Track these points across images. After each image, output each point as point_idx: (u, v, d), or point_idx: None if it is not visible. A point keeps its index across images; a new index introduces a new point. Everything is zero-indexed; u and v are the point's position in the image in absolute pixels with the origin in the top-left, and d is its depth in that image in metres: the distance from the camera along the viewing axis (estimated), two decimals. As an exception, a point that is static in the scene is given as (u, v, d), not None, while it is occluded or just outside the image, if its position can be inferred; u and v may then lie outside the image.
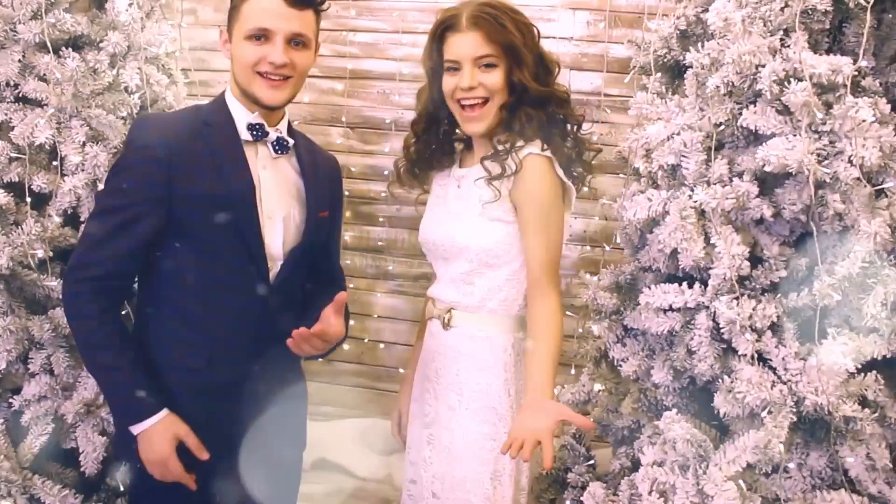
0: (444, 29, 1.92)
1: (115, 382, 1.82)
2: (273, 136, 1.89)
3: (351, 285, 2.16)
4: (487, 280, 1.94)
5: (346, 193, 2.09)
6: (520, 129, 1.90)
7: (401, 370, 3.98)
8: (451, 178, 2.05)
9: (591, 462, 2.15)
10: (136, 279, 1.93)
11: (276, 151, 1.90)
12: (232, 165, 1.84)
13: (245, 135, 1.86)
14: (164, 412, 1.79)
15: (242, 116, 1.87)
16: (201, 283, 1.82)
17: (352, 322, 3.95)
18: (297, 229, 1.93)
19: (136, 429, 1.79)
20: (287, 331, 1.78)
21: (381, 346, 4.00)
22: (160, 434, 1.77)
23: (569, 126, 1.97)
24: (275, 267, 1.89)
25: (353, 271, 3.69)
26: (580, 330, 2.22)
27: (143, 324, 1.92)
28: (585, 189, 2.09)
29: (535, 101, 1.91)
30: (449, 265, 2.00)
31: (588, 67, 3.60)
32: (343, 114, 3.93)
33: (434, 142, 2.06)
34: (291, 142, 1.93)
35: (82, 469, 2.15)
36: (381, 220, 3.93)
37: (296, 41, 1.82)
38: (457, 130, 2.06)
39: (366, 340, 4.00)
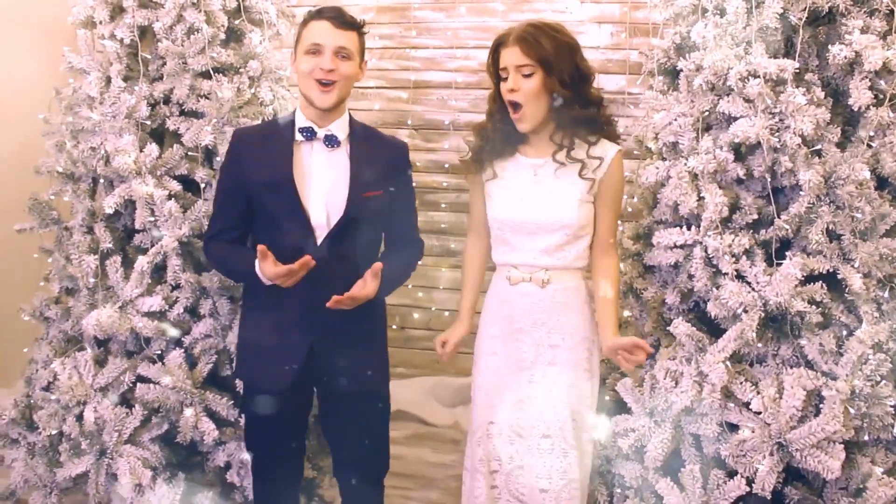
0: (497, 45, 2.29)
1: (238, 260, 2.34)
2: (321, 134, 2.29)
3: (419, 262, 2.73)
4: (576, 247, 2.34)
5: (413, 185, 2.47)
6: (585, 132, 2.28)
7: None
8: (521, 167, 2.36)
9: (621, 370, 2.75)
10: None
11: (327, 146, 2.31)
12: (279, 159, 2.27)
13: (298, 136, 2.29)
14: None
15: (301, 122, 2.30)
16: (270, 246, 2.19)
17: (420, 294, 4.53)
18: (342, 206, 2.28)
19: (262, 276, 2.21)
20: (340, 280, 2.21)
21: (446, 313, 4.46)
22: (265, 269, 2.18)
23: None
24: (323, 234, 2.27)
25: (420, 250, 4.27)
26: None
27: None
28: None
29: (579, 103, 2.25)
30: (537, 238, 2.32)
31: (613, 71, 4.16)
32: (408, 118, 4.49)
33: (500, 132, 2.36)
34: (341, 137, 2.30)
35: (236, 390, 2.75)
36: (443, 205, 4.44)
37: (342, 54, 2.23)
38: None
39: (433, 309, 4.49)
